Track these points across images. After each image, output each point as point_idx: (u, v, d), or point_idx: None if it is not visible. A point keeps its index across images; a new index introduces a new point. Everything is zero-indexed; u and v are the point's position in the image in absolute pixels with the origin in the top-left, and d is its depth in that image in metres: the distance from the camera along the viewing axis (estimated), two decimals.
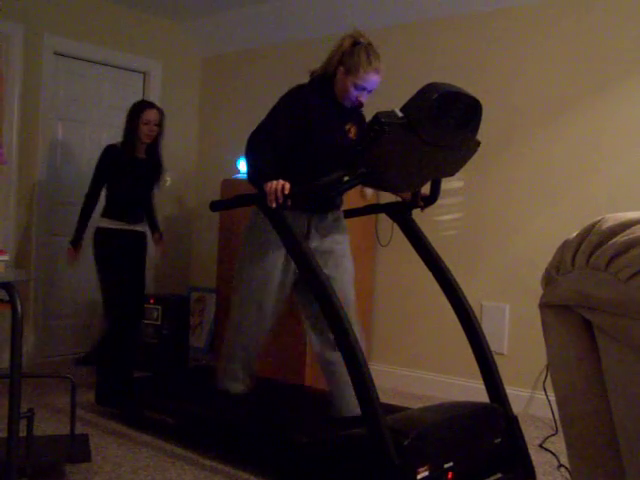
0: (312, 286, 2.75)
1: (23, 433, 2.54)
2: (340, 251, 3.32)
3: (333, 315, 2.64)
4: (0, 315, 4.70)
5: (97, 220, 4.44)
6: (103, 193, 4.48)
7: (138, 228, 4.54)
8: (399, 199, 3.31)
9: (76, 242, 4.43)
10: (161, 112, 4.48)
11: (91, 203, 4.44)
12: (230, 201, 3.36)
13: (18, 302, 2.36)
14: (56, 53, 5.22)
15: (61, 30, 5.23)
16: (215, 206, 3.32)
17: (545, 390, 4.01)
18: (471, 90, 2.79)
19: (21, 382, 2.39)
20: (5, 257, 2.85)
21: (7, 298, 2.41)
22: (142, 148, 4.47)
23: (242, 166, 5.19)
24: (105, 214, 4.43)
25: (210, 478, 3.03)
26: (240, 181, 5.03)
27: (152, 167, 4.53)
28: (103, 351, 4.48)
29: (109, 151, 4.46)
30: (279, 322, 4.56)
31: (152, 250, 4.85)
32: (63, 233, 5.35)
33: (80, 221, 4.43)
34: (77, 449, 2.99)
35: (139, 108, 4.45)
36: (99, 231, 4.39)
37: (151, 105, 4.52)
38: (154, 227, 4.74)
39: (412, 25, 4.88)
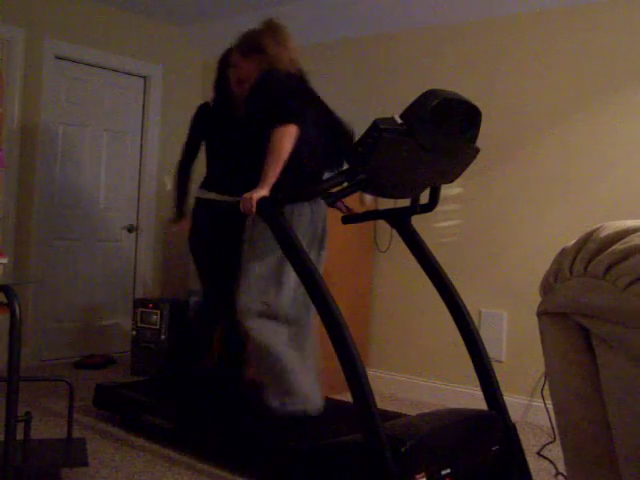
0: (311, 295, 2.74)
1: (20, 437, 2.54)
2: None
3: (332, 322, 2.64)
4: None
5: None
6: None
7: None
8: (398, 205, 3.30)
9: (175, 217, 3.98)
10: (245, 56, 3.67)
11: (184, 176, 3.93)
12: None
13: (17, 305, 2.36)
14: (57, 57, 5.23)
15: (62, 34, 5.23)
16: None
17: (543, 398, 4.01)
18: (473, 97, 2.79)
19: (19, 385, 2.38)
20: (4, 260, 2.86)
21: (5, 301, 2.41)
22: (239, 103, 3.73)
23: None
24: (204, 185, 3.80)
25: None
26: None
27: (254, 122, 3.73)
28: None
29: (203, 110, 3.96)
30: None
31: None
32: (63, 236, 5.36)
33: (177, 195, 3.97)
34: (74, 453, 2.99)
35: (224, 56, 3.85)
36: (195, 203, 3.84)
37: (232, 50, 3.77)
38: None
39: (417, 31, 4.88)
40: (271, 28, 3.44)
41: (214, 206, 3.68)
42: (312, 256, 3.27)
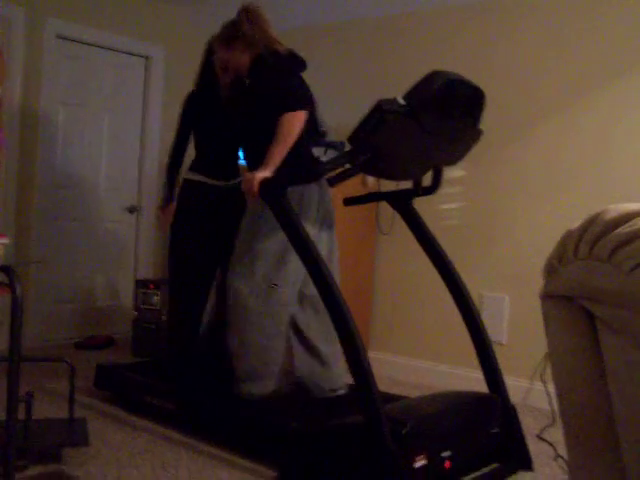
0: (313, 277, 2.74)
1: (22, 416, 2.55)
2: None
3: (334, 304, 2.64)
4: (0, 298, 4.70)
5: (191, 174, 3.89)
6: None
7: (234, 181, 3.90)
8: (400, 187, 3.30)
9: (163, 203, 3.96)
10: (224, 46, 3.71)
11: (175, 162, 3.96)
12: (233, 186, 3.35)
13: (18, 286, 2.36)
14: (58, 36, 5.20)
15: (63, 13, 5.20)
16: None
17: (543, 381, 4.01)
18: (477, 78, 2.78)
19: (20, 366, 2.39)
20: (5, 240, 2.85)
21: (7, 282, 2.41)
22: (226, 84, 3.78)
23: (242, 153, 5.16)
24: (193, 167, 3.89)
25: (207, 463, 3.04)
26: (241, 168, 5.02)
27: (241, 101, 3.79)
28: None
29: (191, 97, 4.02)
30: None
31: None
32: (64, 217, 5.36)
33: (167, 182, 3.98)
34: (75, 433, 3.00)
35: (210, 43, 3.87)
36: (183, 183, 3.90)
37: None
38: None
39: (416, 14, 4.85)
40: (247, 12, 3.49)
41: (202, 188, 3.77)
42: (325, 235, 3.36)
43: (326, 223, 3.42)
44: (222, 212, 3.78)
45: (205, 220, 3.78)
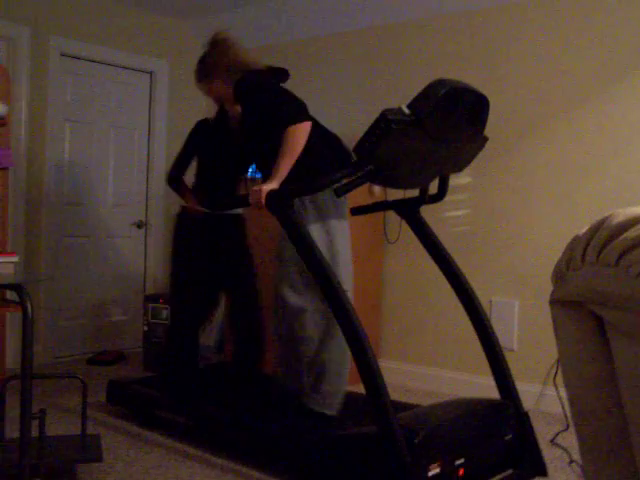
0: (322, 287, 2.74)
1: (35, 434, 2.55)
2: None
3: (343, 314, 2.64)
4: (11, 316, 4.72)
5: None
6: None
7: (231, 211, 4.06)
8: (406, 196, 3.30)
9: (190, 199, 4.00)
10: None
11: (179, 185, 4.06)
12: (238, 200, 3.37)
13: (29, 303, 2.37)
14: (63, 54, 5.23)
15: (67, 31, 5.24)
16: (222, 205, 3.33)
17: (555, 386, 4.00)
18: (481, 86, 2.78)
19: (32, 383, 2.40)
20: (15, 259, 2.87)
21: (18, 299, 2.42)
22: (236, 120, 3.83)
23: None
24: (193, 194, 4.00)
25: (221, 477, 3.04)
26: (247, 179, 5.03)
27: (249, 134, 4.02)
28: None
29: (200, 127, 4.15)
30: None
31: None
32: (72, 234, 5.38)
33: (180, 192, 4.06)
34: (89, 449, 3.00)
35: None
36: (183, 212, 4.06)
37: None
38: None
39: (419, 21, 4.87)
40: (216, 44, 3.56)
41: (200, 216, 3.90)
42: (340, 225, 3.32)
43: (340, 209, 3.38)
44: (219, 238, 3.95)
45: (203, 246, 3.92)
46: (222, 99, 3.64)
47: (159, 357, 4.47)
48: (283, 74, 3.49)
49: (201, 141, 4.00)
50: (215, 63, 3.50)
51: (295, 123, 3.06)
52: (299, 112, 3.12)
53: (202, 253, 3.93)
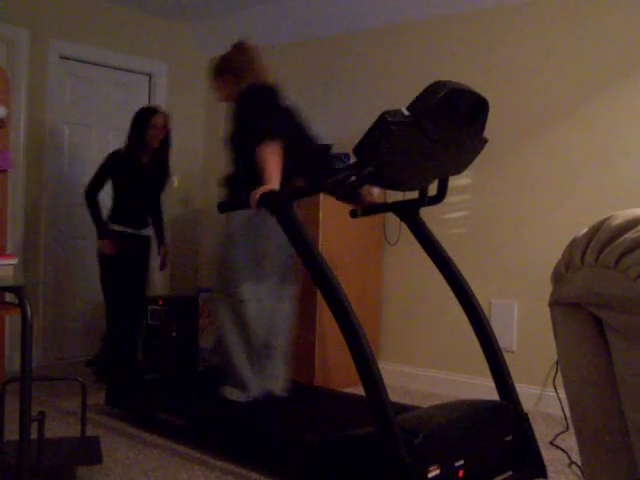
0: (322, 289, 2.74)
1: (34, 436, 2.55)
2: None
3: (342, 315, 2.64)
4: (10, 318, 4.71)
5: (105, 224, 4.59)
6: (110, 197, 4.61)
7: (143, 232, 4.69)
8: (406, 197, 3.31)
9: (106, 234, 4.55)
10: (167, 116, 4.62)
11: (95, 201, 4.55)
12: (238, 202, 3.37)
13: (28, 306, 2.37)
14: (62, 57, 5.24)
15: (66, 34, 5.24)
16: (223, 207, 3.33)
17: (555, 387, 4.00)
18: (481, 87, 2.78)
19: (31, 385, 2.39)
20: (14, 261, 2.87)
21: (17, 302, 2.42)
22: (147, 153, 4.57)
23: None
24: (111, 219, 4.57)
25: (221, 479, 3.03)
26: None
27: (157, 172, 4.64)
28: (108, 354, 4.66)
29: (113, 159, 4.59)
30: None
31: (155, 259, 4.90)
32: (71, 236, 5.38)
33: (96, 219, 4.56)
34: (88, 451, 3.00)
35: (146, 113, 4.58)
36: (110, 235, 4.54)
37: (157, 110, 4.66)
38: (161, 238, 4.91)
39: (419, 23, 4.87)
40: (240, 49, 3.83)
41: (122, 236, 4.54)
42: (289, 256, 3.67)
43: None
44: (135, 255, 4.65)
45: (125, 260, 4.56)
46: (229, 97, 3.78)
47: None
48: (276, 96, 3.67)
49: (113, 170, 4.55)
50: (233, 63, 3.75)
51: (259, 143, 3.27)
52: (265, 133, 3.32)
53: (126, 268, 4.58)
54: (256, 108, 3.50)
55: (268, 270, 3.66)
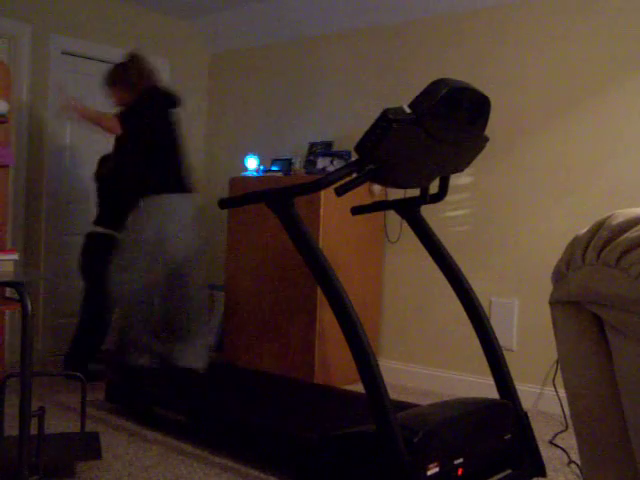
0: (322, 287, 2.74)
1: (34, 431, 2.55)
2: None
3: (343, 313, 2.64)
4: (10, 313, 4.72)
5: (90, 226, 4.77)
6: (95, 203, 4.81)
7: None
8: (407, 195, 3.31)
9: None
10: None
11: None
12: (239, 199, 3.36)
13: (28, 301, 2.37)
14: (64, 52, 5.24)
15: (68, 30, 5.24)
16: (224, 204, 3.33)
17: (555, 386, 4.01)
18: (480, 85, 2.78)
19: (31, 380, 2.40)
20: (15, 256, 2.87)
21: (17, 297, 2.42)
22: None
23: (250, 163, 5.19)
24: (99, 222, 4.73)
25: (220, 475, 3.04)
26: (248, 178, 5.04)
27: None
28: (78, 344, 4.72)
29: (103, 162, 4.76)
30: (289, 319, 4.58)
31: None
32: (72, 232, 5.38)
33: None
34: (88, 447, 3.00)
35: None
36: (91, 236, 4.72)
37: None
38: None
39: (420, 21, 4.87)
40: (134, 59, 4.25)
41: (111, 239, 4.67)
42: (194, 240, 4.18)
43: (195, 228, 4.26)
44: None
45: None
46: (122, 103, 4.23)
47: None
48: (174, 100, 4.19)
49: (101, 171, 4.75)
50: (127, 73, 4.18)
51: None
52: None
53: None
54: (146, 112, 4.05)
55: (167, 257, 4.11)
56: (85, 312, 4.66)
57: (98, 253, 4.58)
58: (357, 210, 3.45)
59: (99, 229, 4.68)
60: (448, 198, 3.21)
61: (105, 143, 5.48)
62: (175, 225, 4.09)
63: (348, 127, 5.13)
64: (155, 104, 4.11)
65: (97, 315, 4.64)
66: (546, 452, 3.30)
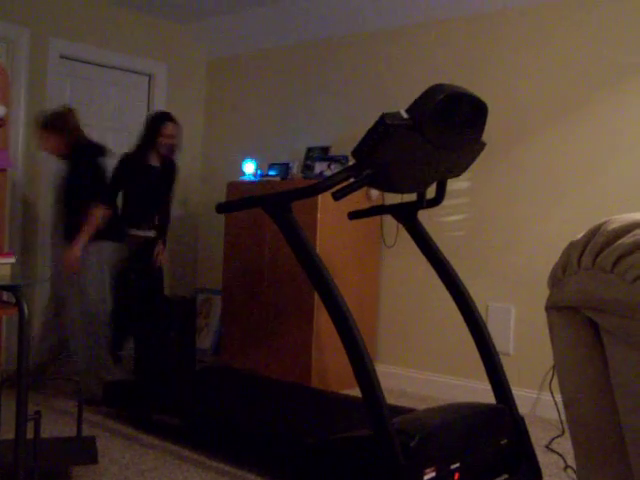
0: (319, 291, 2.74)
1: (30, 435, 2.55)
2: None
3: (340, 317, 2.64)
4: (7, 317, 4.71)
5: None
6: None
7: (149, 234, 4.76)
8: (404, 200, 3.32)
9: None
10: (179, 125, 4.69)
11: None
12: (236, 203, 3.37)
13: (25, 305, 2.37)
14: (62, 56, 5.23)
15: (67, 33, 5.24)
16: (221, 208, 3.33)
17: (551, 391, 4.01)
18: (477, 90, 2.79)
19: (28, 384, 2.39)
20: (12, 259, 2.86)
21: (14, 301, 2.42)
22: (157, 156, 4.66)
23: (247, 168, 5.20)
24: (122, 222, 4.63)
25: None
26: (246, 183, 5.04)
27: (166, 173, 4.75)
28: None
29: (124, 159, 4.64)
30: (287, 323, 4.58)
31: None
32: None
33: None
34: (84, 451, 3.00)
35: (159, 119, 4.65)
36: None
37: (170, 118, 4.69)
38: (162, 234, 4.92)
39: (418, 26, 4.88)
40: (66, 109, 4.34)
41: (132, 239, 4.67)
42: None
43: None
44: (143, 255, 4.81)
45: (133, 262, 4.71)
46: (52, 150, 4.33)
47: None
48: (104, 151, 4.33)
49: (125, 173, 4.63)
50: (66, 122, 4.24)
51: (96, 203, 4.11)
52: (101, 195, 4.19)
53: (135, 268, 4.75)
54: (88, 167, 4.22)
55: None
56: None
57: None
58: (354, 215, 3.45)
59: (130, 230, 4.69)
60: (445, 203, 3.21)
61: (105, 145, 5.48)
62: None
63: (345, 132, 5.13)
64: (93, 154, 4.31)
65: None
66: (542, 457, 3.30)
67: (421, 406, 4.03)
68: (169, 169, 4.78)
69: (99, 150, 4.32)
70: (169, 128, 4.61)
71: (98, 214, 4.14)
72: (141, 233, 4.73)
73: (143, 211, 4.76)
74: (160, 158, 4.69)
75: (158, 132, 4.60)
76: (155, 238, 4.83)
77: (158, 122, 4.64)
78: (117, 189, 4.61)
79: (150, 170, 4.68)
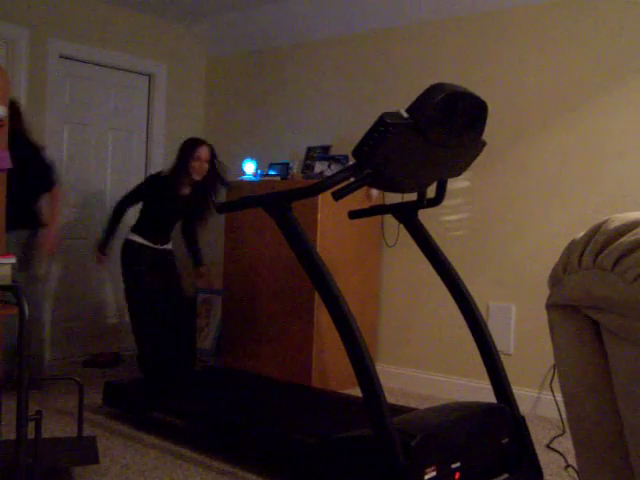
0: (320, 291, 2.74)
1: (31, 435, 2.55)
2: None
3: (340, 317, 2.64)
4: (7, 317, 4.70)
5: (126, 232, 4.71)
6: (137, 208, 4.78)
7: (159, 247, 4.75)
8: (404, 199, 3.32)
9: (103, 248, 4.72)
10: (212, 149, 4.63)
11: (119, 217, 4.69)
12: (236, 203, 3.37)
13: (25, 305, 2.37)
14: (61, 56, 5.23)
15: (66, 33, 5.24)
16: (222, 208, 3.33)
17: (552, 390, 4.01)
18: (477, 90, 2.79)
19: (28, 385, 2.39)
20: (12, 260, 2.86)
21: (15, 300, 2.42)
22: (189, 185, 4.62)
23: (248, 168, 5.20)
24: (136, 230, 4.67)
25: (217, 479, 3.03)
26: (246, 183, 5.04)
27: (197, 205, 4.71)
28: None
29: (151, 183, 4.71)
30: (287, 323, 4.58)
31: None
32: (70, 235, 5.37)
33: (108, 231, 4.71)
34: (85, 451, 3.00)
35: (192, 144, 4.59)
36: (128, 243, 4.65)
37: (203, 142, 4.64)
38: (198, 262, 5.04)
39: (417, 26, 4.88)
40: (13, 105, 4.10)
41: (147, 250, 4.67)
42: None
43: None
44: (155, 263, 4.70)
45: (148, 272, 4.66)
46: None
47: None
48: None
49: (149, 193, 4.66)
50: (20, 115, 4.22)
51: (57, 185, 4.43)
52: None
53: (153, 277, 4.67)
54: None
55: None
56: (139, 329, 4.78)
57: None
58: (355, 214, 3.45)
59: (136, 238, 4.68)
60: (445, 202, 3.21)
61: (103, 148, 5.49)
62: None
63: (346, 131, 5.13)
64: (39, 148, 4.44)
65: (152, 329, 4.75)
66: (543, 456, 3.30)
67: (422, 406, 4.03)
68: (200, 196, 4.65)
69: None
70: (202, 151, 4.53)
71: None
72: (159, 247, 4.72)
73: (161, 231, 4.74)
74: (191, 184, 4.60)
75: (191, 157, 4.52)
76: (171, 250, 4.84)
77: (191, 146, 4.57)
78: (136, 201, 4.72)
79: (177, 199, 4.62)
